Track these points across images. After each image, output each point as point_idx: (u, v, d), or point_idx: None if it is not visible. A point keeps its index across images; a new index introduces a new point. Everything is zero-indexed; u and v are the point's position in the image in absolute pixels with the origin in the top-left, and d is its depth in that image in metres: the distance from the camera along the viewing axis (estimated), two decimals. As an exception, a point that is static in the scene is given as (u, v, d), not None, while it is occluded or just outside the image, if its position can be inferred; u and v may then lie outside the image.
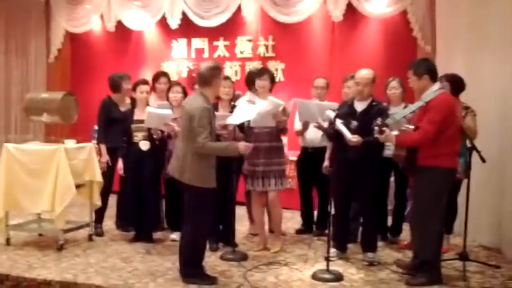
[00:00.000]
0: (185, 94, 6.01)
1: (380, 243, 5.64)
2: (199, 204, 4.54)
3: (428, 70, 4.62)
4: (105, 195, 6.19)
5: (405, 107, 5.59)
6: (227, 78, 5.73)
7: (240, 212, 6.20)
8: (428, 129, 4.42)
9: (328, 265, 4.83)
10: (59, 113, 5.96)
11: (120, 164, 5.91)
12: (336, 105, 5.40)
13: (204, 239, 4.75)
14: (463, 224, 5.01)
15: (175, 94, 5.93)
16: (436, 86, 4.60)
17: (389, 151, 5.33)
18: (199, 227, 4.60)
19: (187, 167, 4.49)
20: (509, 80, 5.56)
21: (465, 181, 4.98)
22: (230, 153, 4.75)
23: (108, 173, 6.15)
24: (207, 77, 4.58)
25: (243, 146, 4.67)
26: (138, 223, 5.87)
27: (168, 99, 6.00)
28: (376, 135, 4.61)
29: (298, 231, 6.46)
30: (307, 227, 6.46)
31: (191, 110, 4.45)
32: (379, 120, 4.61)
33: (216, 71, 4.63)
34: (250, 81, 5.85)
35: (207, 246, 5.14)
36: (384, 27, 7.77)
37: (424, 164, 4.52)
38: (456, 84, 5.24)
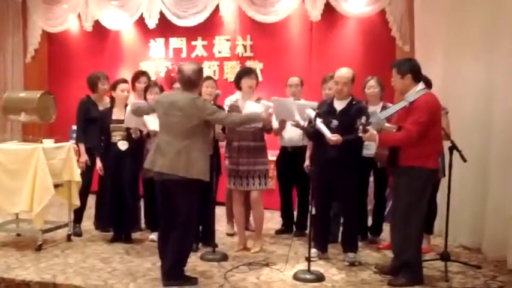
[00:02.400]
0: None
1: (360, 243, 5.65)
2: (196, 200, 4.59)
3: (412, 70, 4.59)
4: (83, 195, 6.14)
5: (383, 106, 5.65)
6: (210, 78, 5.68)
7: (220, 212, 6.19)
8: (412, 130, 4.40)
9: (309, 265, 4.83)
10: (37, 113, 5.93)
11: (98, 163, 5.88)
12: (315, 104, 5.42)
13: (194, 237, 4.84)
14: (443, 224, 5.06)
15: (154, 95, 5.88)
16: (420, 86, 4.57)
17: (368, 150, 5.36)
18: (192, 227, 4.66)
19: (194, 162, 4.45)
20: (489, 78, 5.62)
21: (445, 181, 5.02)
22: (256, 120, 4.99)
23: (86, 172, 6.11)
24: (195, 81, 4.59)
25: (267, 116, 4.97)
26: (117, 223, 5.85)
27: (145, 99, 5.98)
28: (360, 134, 4.56)
29: (278, 232, 6.45)
30: (287, 227, 6.45)
31: (191, 106, 4.44)
32: (363, 119, 4.54)
33: (201, 73, 4.67)
34: (239, 79, 5.84)
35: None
36: (362, 27, 7.82)
37: (406, 164, 4.50)
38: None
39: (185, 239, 4.58)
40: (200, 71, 4.67)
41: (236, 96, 5.77)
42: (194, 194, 4.54)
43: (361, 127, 4.50)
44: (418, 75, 4.62)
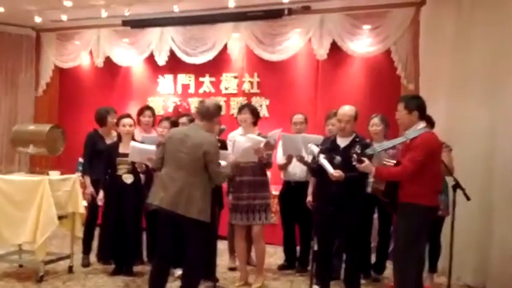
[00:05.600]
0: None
1: (363, 281, 5.59)
2: (203, 239, 4.58)
3: (419, 107, 4.57)
4: (90, 226, 6.24)
5: (387, 144, 5.68)
6: None
7: (222, 246, 6.18)
8: (408, 167, 4.38)
9: (311, 303, 4.77)
10: (45, 145, 6.01)
11: (100, 194, 5.94)
12: (321, 138, 5.46)
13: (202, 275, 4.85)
14: (447, 263, 5.00)
15: (163, 129, 5.99)
16: (421, 124, 4.55)
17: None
18: (201, 263, 4.65)
19: (195, 201, 4.48)
20: (492, 117, 5.67)
21: (449, 219, 4.99)
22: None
23: (92, 204, 6.19)
24: (213, 113, 4.71)
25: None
26: (119, 256, 5.85)
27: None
28: (354, 163, 4.55)
29: (281, 267, 6.41)
30: (289, 263, 6.41)
31: (203, 145, 4.51)
32: (357, 148, 4.56)
33: (219, 110, 4.82)
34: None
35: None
36: (367, 66, 7.92)
37: (404, 201, 4.48)
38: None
39: (198, 274, 4.67)
40: (219, 107, 4.84)
41: (238, 131, 5.84)
42: (207, 229, 4.58)
43: (355, 156, 4.51)
44: (423, 113, 4.62)
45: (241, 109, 5.77)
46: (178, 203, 4.47)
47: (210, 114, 4.68)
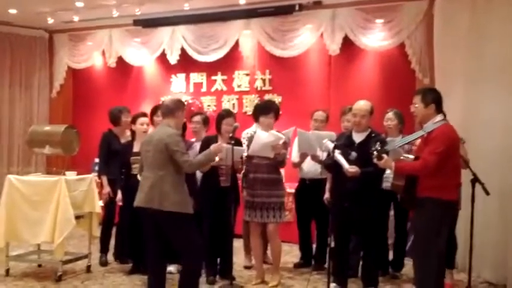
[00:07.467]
0: (184, 128, 6.04)
1: (381, 278, 5.54)
2: (187, 232, 4.58)
3: (436, 100, 4.51)
4: (108, 225, 6.31)
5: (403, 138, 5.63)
6: (230, 115, 5.73)
7: (238, 244, 6.16)
8: (429, 160, 4.31)
9: (328, 301, 4.75)
10: (61, 146, 6.05)
11: (119, 195, 5.98)
12: (334, 134, 5.43)
13: (201, 267, 4.81)
14: (467, 259, 4.96)
15: (195, 125, 6.09)
16: (439, 117, 4.48)
17: (387, 183, 5.31)
18: (193, 255, 4.62)
19: (167, 194, 4.52)
20: (509, 110, 5.62)
21: (468, 214, 4.93)
22: (211, 159, 4.87)
23: (110, 204, 6.25)
24: (173, 109, 4.75)
25: (215, 146, 4.82)
26: (136, 255, 5.86)
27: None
28: (375, 161, 4.50)
29: (297, 265, 6.39)
30: (305, 261, 6.39)
31: (164, 139, 4.55)
32: (377, 145, 4.49)
33: (179, 103, 4.86)
34: (256, 115, 5.81)
35: (204, 278, 5.16)
36: (381, 60, 7.87)
37: (423, 195, 4.40)
38: None
39: (196, 267, 4.67)
40: (179, 101, 4.89)
41: (253, 129, 5.82)
42: (188, 221, 4.58)
43: (375, 153, 4.45)
44: (440, 106, 4.55)
45: (266, 112, 5.54)
46: (153, 199, 4.55)
47: (171, 110, 4.74)
